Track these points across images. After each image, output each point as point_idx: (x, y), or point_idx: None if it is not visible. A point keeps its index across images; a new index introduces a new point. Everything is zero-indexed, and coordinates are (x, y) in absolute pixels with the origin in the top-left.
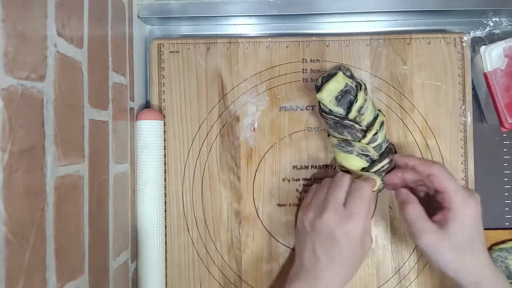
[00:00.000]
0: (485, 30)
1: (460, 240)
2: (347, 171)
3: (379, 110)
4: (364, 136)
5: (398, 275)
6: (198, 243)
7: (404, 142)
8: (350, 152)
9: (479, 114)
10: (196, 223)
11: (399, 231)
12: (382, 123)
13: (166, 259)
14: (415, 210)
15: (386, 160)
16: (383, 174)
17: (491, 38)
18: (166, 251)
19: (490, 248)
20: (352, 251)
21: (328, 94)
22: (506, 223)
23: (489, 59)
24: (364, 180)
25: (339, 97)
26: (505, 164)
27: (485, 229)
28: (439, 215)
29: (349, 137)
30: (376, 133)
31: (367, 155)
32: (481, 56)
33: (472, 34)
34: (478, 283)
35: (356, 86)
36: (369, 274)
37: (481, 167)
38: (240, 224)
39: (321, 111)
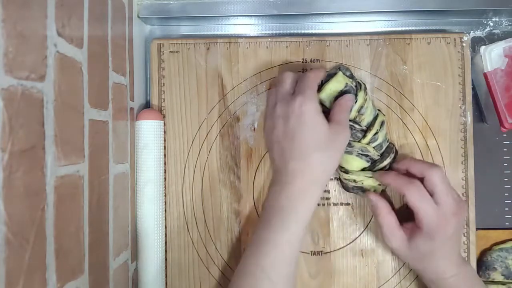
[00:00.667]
0: (485, 30)
1: (422, 252)
2: (345, 172)
3: (379, 110)
4: (364, 136)
5: (398, 275)
6: (198, 243)
7: (404, 142)
8: (350, 153)
9: (479, 114)
10: (196, 223)
11: None
12: (382, 123)
13: (166, 259)
14: (387, 218)
15: (388, 161)
16: None
17: (491, 38)
18: (166, 251)
19: (490, 248)
20: (314, 131)
21: (328, 94)
22: (506, 223)
23: (489, 59)
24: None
25: (339, 97)
26: (505, 164)
27: (485, 229)
28: (410, 226)
29: (350, 138)
30: (376, 133)
31: (367, 155)
32: (481, 56)
33: (472, 34)
34: (439, 279)
35: (356, 86)
36: (369, 274)
37: (481, 167)
38: (240, 224)
39: (322, 111)
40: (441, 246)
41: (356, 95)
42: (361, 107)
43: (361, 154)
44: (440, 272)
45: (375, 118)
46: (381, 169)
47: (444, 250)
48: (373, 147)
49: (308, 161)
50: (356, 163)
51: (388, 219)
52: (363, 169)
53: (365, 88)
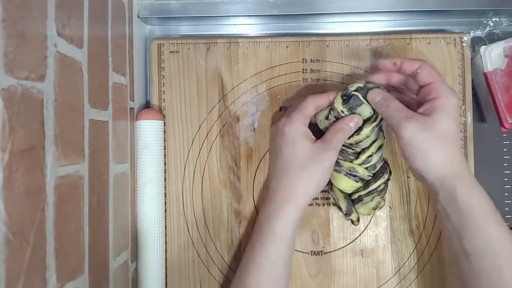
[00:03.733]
0: (485, 30)
1: (446, 129)
2: (339, 190)
3: (382, 129)
4: (357, 158)
5: (398, 275)
6: (198, 243)
7: None
8: (339, 172)
9: (479, 114)
10: (196, 223)
11: (399, 231)
12: (380, 146)
13: (166, 259)
14: (396, 102)
15: (381, 181)
16: (381, 194)
17: (491, 38)
18: (166, 251)
19: None
20: (293, 150)
21: (318, 120)
22: (506, 223)
23: (489, 59)
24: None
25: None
26: (505, 164)
27: None
28: (425, 105)
29: (339, 157)
30: (370, 155)
31: (355, 175)
32: (481, 56)
33: (472, 34)
34: (462, 178)
35: (335, 116)
36: (369, 274)
37: (481, 167)
38: (240, 224)
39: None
40: (458, 121)
41: (361, 128)
42: (360, 141)
43: (349, 174)
44: (464, 168)
45: (373, 141)
46: (375, 189)
47: (459, 136)
48: (366, 167)
49: (284, 178)
50: (345, 182)
51: (400, 104)
52: (357, 190)
53: (377, 124)
